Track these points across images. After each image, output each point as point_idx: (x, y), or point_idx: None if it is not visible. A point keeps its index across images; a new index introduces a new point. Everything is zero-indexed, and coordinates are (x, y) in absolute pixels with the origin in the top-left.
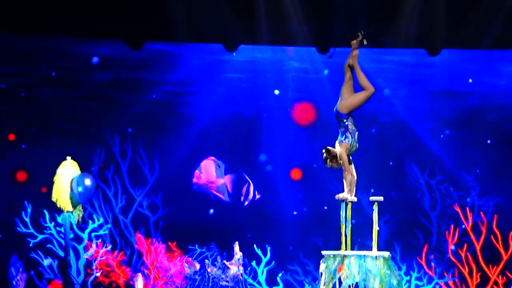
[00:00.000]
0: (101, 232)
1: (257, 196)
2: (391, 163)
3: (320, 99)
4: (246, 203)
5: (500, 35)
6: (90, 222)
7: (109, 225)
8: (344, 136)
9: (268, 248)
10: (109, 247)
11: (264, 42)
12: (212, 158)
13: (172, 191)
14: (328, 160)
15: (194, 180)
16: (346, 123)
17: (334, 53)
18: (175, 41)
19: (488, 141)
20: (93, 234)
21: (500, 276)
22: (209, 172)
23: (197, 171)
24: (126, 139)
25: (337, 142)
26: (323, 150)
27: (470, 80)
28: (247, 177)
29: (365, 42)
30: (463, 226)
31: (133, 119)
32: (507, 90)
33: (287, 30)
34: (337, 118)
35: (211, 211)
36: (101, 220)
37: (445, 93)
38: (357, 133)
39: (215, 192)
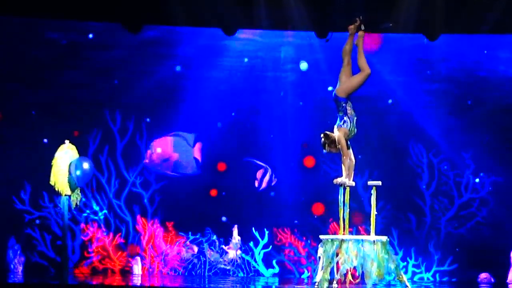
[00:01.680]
0: (97, 217)
1: (274, 181)
2: (388, 146)
3: (318, 83)
4: (261, 188)
5: (499, 20)
6: (88, 211)
7: (105, 211)
8: (342, 121)
9: (266, 232)
10: (105, 233)
11: (263, 27)
12: (172, 134)
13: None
14: (326, 145)
15: (145, 160)
16: (345, 107)
17: (331, 37)
18: (174, 25)
19: (486, 125)
20: (90, 216)
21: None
22: (163, 150)
23: (148, 151)
24: (129, 118)
25: (335, 126)
26: (322, 135)
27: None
28: (261, 163)
29: (362, 27)
30: (457, 204)
31: (131, 101)
32: (506, 75)
33: (285, 15)
34: (336, 102)
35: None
36: (97, 208)
37: (443, 78)
38: (355, 118)
39: (170, 172)
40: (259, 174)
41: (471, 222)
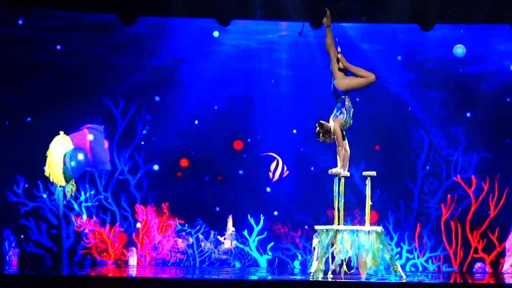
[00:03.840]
0: (90, 203)
1: (286, 173)
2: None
3: (313, 74)
4: (274, 179)
5: (493, 9)
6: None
7: (101, 196)
8: (339, 112)
9: (262, 218)
10: (98, 219)
11: (257, 17)
12: (87, 126)
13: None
14: (321, 134)
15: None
16: (344, 99)
17: (302, 30)
18: (168, 16)
19: (482, 117)
20: (83, 204)
21: (481, 240)
22: (84, 144)
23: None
24: (125, 108)
25: (331, 116)
26: (317, 124)
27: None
28: (274, 155)
29: (340, 65)
30: (446, 185)
31: (128, 89)
32: (500, 64)
33: (280, 5)
34: (335, 94)
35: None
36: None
37: (438, 68)
38: (352, 110)
39: (88, 169)
40: (272, 166)
41: (462, 205)
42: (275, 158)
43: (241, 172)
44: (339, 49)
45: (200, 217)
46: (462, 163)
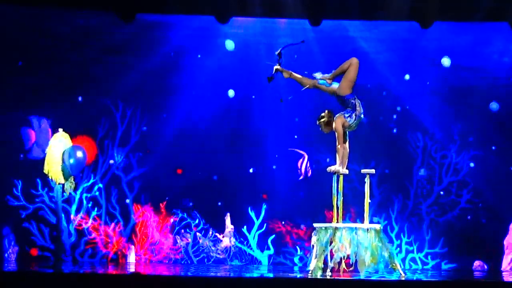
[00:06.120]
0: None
1: (309, 171)
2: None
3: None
4: (301, 177)
5: (492, 7)
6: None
7: (99, 185)
8: (348, 114)
9: (264, 206)
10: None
11: (257, 15)
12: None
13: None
14: (322, 120)
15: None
16: (354, 103)
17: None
18: (167, 13)
19: (482, 115)
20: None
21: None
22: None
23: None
24: (127, 105)
25: (339, 113)
26: (325, 111)
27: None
28: (300, 151)
29: (319, 78)
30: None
31: (127, 88)
32: (500, 63)
33: (279, 2)
34: (343, 102)
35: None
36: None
37: (437, 66)
38: (362, 117)
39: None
40: (299, 163)
41: (457, 206)
42: (302, 155)
43: (240, 169)
44: (315, 75)
45: (198, 215)
46: (457, 160)
